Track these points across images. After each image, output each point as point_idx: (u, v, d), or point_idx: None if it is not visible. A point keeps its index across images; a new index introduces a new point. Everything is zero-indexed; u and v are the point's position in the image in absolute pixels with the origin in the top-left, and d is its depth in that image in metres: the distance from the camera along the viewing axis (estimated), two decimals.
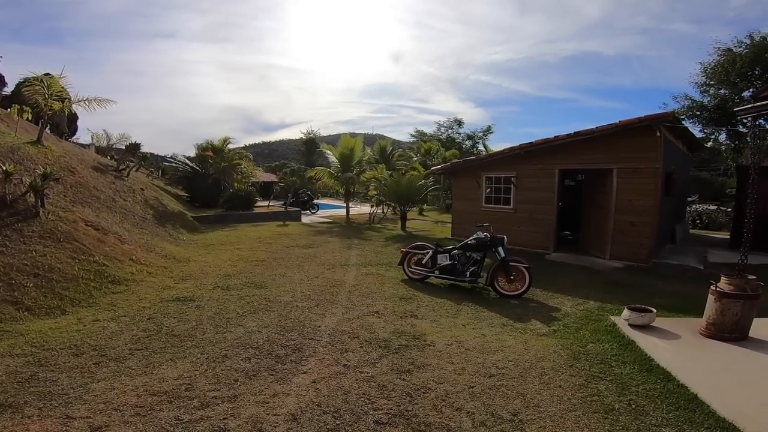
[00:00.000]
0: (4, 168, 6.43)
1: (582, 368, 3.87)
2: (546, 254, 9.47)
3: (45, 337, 4.29)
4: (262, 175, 28.19)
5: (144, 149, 19.73)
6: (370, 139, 29.88)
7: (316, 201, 23.94)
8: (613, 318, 5.11)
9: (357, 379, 3.52)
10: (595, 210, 9.52)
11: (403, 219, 14.84)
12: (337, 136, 23.36)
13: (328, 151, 21.75)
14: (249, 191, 17.94)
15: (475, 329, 4.89)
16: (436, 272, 6.96)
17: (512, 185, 10.55)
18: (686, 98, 16.88)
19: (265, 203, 19.56)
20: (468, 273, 6.59)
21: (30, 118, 11.47)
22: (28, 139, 10.46)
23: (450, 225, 12.78)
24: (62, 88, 10.66)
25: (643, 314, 4.78)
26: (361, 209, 22.60)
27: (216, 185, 18.05)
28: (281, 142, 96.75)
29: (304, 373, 3.61)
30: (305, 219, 17.47)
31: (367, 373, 3.63)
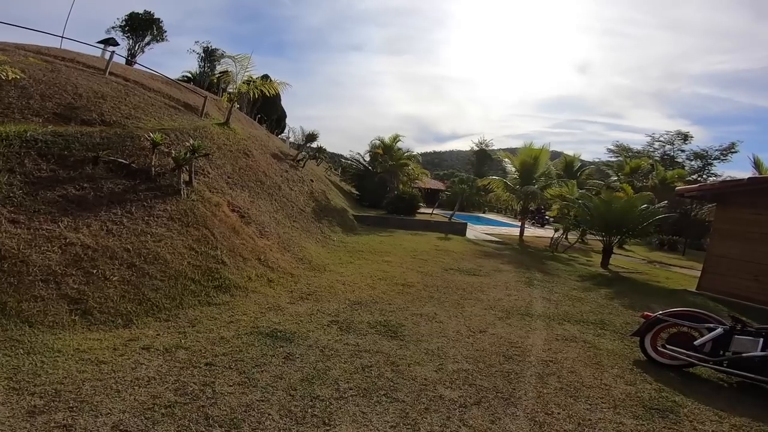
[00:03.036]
0: (151, 137, 5.81)
1: None
2: None
3: (46, 366, 2.86)
4: (429, 181, 26.78)
5: (335, 151, 20.40)
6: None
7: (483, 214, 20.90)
8: None
9: None
10: None
11: (607, 253, 10.70)
12: (510, 151, 20.20)
13: (506, 159, 19.07)
14: (413, 195, 16.36)
15: None
16: (725, 364, 3.48)
17: None
18: None
19: (429, 210, 17.76)
20: None
21: (239, 107, 12.47)
22: (220, 122, 10.95)
23: (689, 272, 8.24)
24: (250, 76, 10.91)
25: None
26: (535, 231, 18.76)
27: (382, 185, 17.14)
28: (451, 152, 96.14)
29: None
30: (470, 234, 14.83)
31: None
